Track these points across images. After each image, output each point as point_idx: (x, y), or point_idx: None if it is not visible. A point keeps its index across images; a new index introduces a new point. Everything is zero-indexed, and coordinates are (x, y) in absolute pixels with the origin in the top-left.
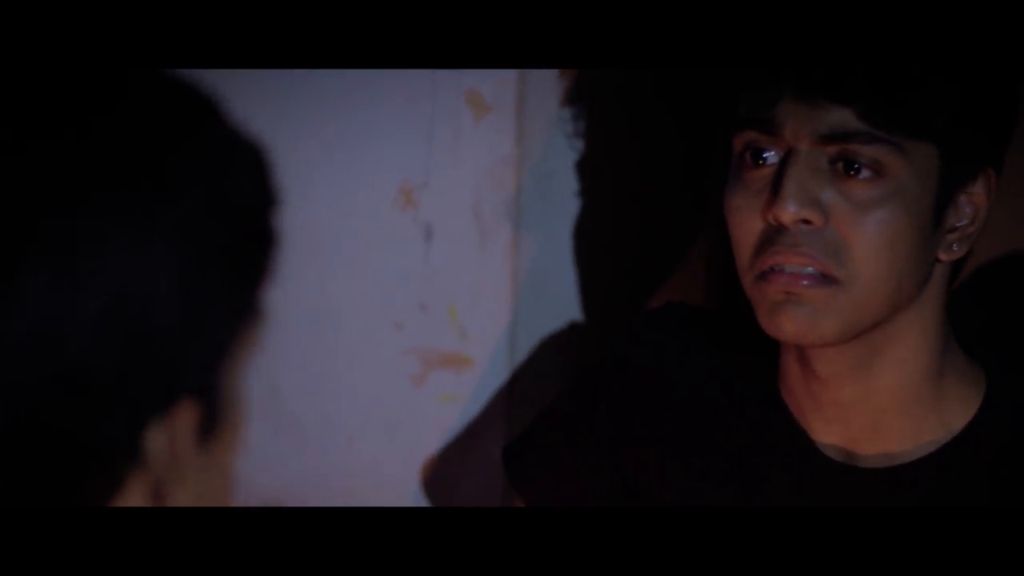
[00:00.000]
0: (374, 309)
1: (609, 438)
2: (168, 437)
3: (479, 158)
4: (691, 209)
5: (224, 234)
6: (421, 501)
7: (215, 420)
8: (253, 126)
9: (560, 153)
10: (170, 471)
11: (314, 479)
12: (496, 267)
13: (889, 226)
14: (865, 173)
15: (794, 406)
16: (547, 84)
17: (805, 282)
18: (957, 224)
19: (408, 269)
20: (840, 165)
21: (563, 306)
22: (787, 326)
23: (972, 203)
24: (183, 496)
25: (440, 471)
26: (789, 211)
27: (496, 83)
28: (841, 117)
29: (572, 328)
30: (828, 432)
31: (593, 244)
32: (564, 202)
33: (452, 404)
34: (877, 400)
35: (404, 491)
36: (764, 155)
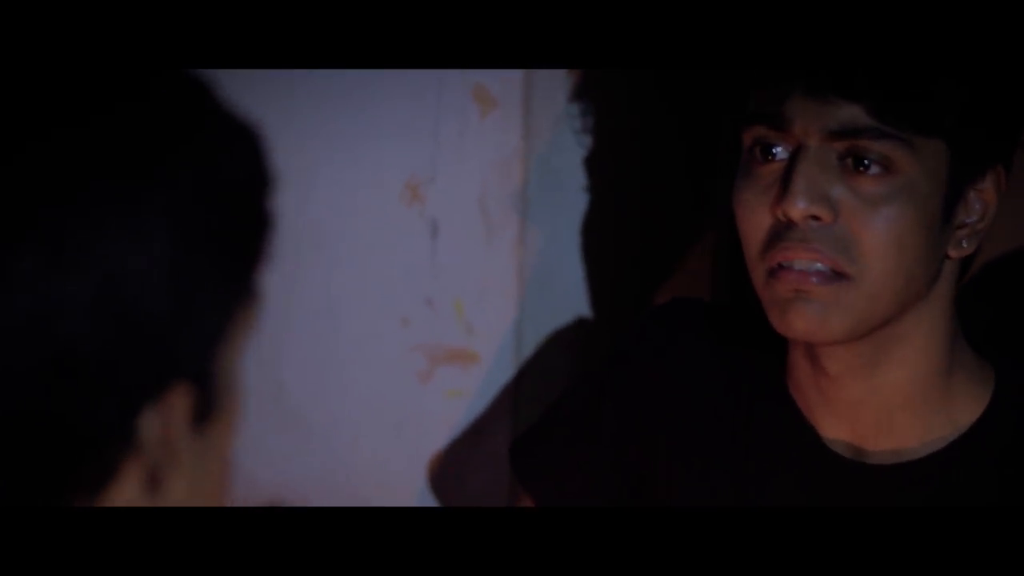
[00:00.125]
0: (380, 305)
1: (615, 433)
2: (162, 422)
3: (485, 153)
4: (697, 204)
5: (217, 217)
6: (427, 497)
7: (210, 405)
8: (260, 124)
9: (567, 148)
10: (165, 456)
11: (319, 475)
12: (502, 263)
13: (898, 222)
14: (874, 169)
15: (802, 402)
16: (554, 80)
17: (815, 279)
18: (967, 220)
19: (414, 265)
20: (849, 161)
21: (570, 302)
22: (797, 323)
23: (981, 199)
24: (179, 482)
25: (446, 467)
26: (799, 207)
27: (503, 79)
28: (851, 113)
29: (579, 324)
30: (836, 428)
31: (600, 240)
32: (570, 198)
33: (458, 400)
34: (886, 397)
35: (410, 487)
36: (773, 150)
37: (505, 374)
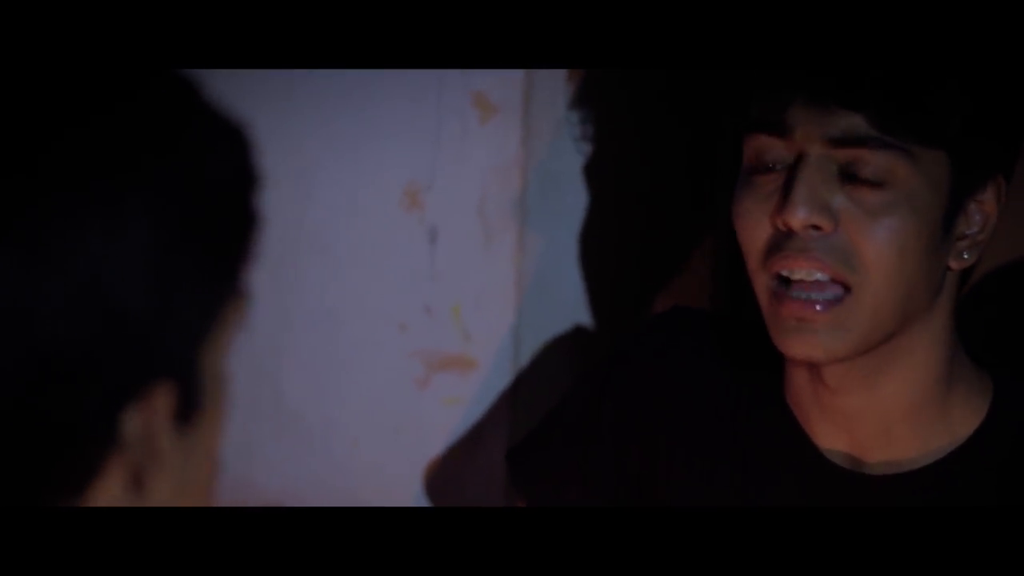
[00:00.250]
0: (378, 311)
1: (614, 437)
2: (144, 419)
3: (485, 160)
4: (697, 211)
5: (202, 216)
6: (424, 503)
7: (194, 403)
8: (261, 130)
9: (566, 155)
10: (148, 454)
11: (318, 481)
12: (501, 269)
13: (899, 233)
14: (875, 180)
15: (799, 413)
16: (553, 85)
17: (818, 307)
18: (967, 232)
19: (413, 271)
20: (850, 172)
21: (568, 308)
22: (798, 349)
23: (982, 211)
24: (163, 480)
25: (444, 473)
26: (799, 216)
27: (502, 85)
28: (852, 123)
29: (577, 330)
30: (834, 439)
31: (599, 246)
32: (570, 204)
33: (456, 407)
34: (885, 408)
35: (408, 494)
36: (774, 159)
37: (503, 381)
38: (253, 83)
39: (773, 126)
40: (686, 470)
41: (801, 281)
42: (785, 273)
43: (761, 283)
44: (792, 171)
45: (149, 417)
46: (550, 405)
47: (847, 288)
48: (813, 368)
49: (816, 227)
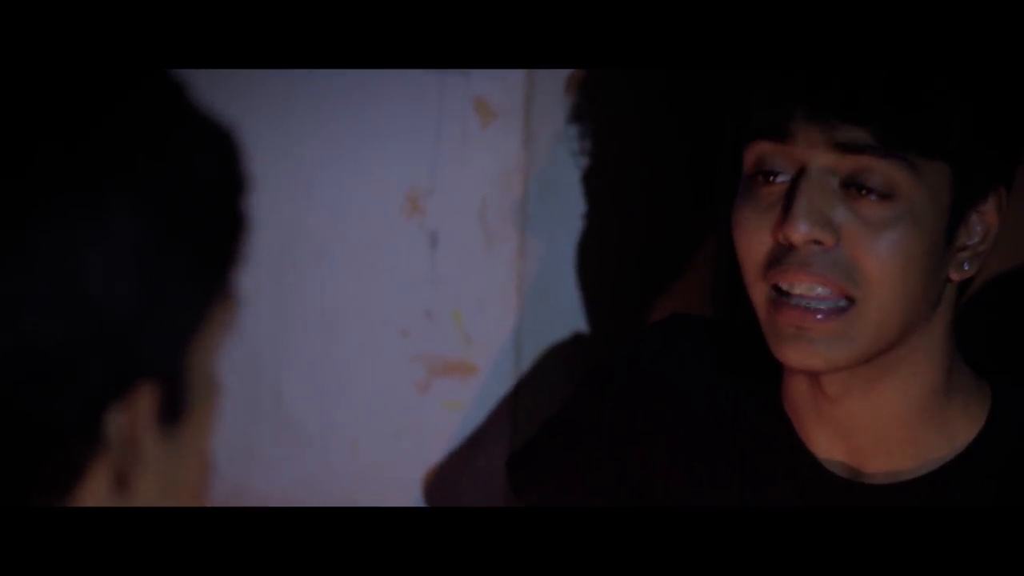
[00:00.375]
0: (379, 316)
1: (613, 445)
2: (129, 419)
3: (485, 165)
4: (698, 217)
5: (188, 215)
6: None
7: (181, 404)
8: (262, 136)
9: (566, 160)
10: (132, 455)
11: (317, 485)
12: (502, 274)
13: (901, 246)
14: (877, 193)
15: (797, 421)
16: (554, 91)
17: (819, 316)
18: (968, 243)
19: (414, 276)
20: (852, 184)
21: (569, 313)
22: (795, 358)
23: (983, 221)
24: (149, 481)
25: (444, 478)
26: (801, 231)
27: (503, 90)
28: (853, 136)
29: (578, 335)
30: (832, 448)
31: (599, 251)
32: (570, 209)
33: (457, 411)
34: (883, 418)
35: (408, 498)
36: (775, 171)
37: (504, 386)
38: (254, 88)
39: (774, 133)
40: (685, 476)
41: (802, 295)
42: (785, 287)
43: (759, 293)
44: (793, 184)
45: (133, 417)
46: (551, 409)
47: (851, 300)
48: (811, 377)
49: (817, 242)
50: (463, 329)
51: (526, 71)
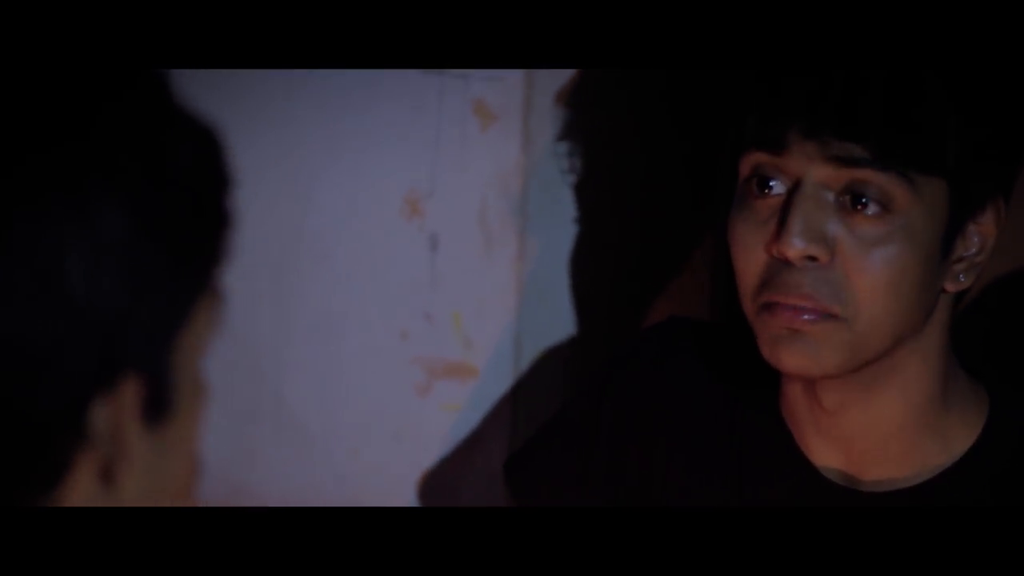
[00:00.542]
0: (379, 318)
1: (610, 450)
2: (112, 414)
3: (485, 168)
4: (697, 219)
5: (171, 212)
6: None
7: (166, 400)
8: (262, 139)
9: (566, 162)
10: (116, 450)
11: (318, 488)
12: (501, 276)
13: (895, 263)
14: (873, 208)
15: (795, 429)
16: (553, 94)
17: (807, 316)
18: (964, 254)
19: (413, 278)
20: (847, 199)
21: (568, 315)
22: (788, 360)
23: (980, 233)
24: (134, 477)
25: (444, 480)
26: (796, 247)
27: (502, 92)
28: (850, 150)
29: (577, 337)
30: (830, 456)
31: (599, 254)
32: (570, 212)
33: (456, 413)
34: (880, 426)
35: (408, 500)
36: (770, 183)
37: (503, 388)
38: (254, 90)
39: (770, 145)
40: (682, 480)
41: (793, 304)
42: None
43: (753, 309)
44: (788, 199)
45: (117, 413)
46: (551, 411)
47: (837, 318)
48: (807, 386)
49: (812, 257)
50: (463, 331)
51: (525, 74)
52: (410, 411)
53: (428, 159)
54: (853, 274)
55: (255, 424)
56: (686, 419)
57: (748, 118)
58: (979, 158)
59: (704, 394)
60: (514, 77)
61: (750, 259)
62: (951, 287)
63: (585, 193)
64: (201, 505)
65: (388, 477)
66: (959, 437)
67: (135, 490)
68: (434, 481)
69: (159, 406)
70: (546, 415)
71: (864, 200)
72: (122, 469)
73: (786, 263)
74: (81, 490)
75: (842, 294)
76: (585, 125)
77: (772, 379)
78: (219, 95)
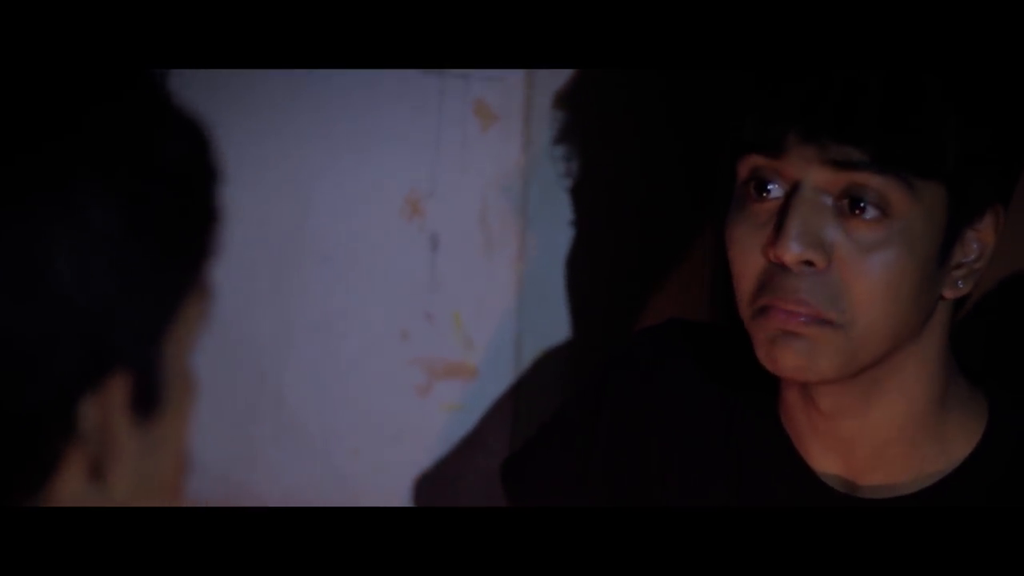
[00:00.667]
0: (380, 318)
1: (608, 452)
2: (100, 410)
3: (486, 168)
4: (697, 220)
5: (158, 207)
6: None
7: (154, 396)
8: (262, 139)
9: (566, 162)
10: (105, 447)
11: (318, 488)
12: (502, 277)
13: (892, 269)
14: (871, 212)
15: (794, 434)
16: (554, 93)
17: (802, 318)
18: (963, 260)
19: (414, 278)
20: (845, 203)
21: (569, 316)
22: (783, 362)
23: (979, 239)
24: (124, 473)
25: (444, 480)
26: (793, 252)
27: (503, 93)
28: (848, 154)
29: (578, 338)
30: (829, 461)
31: (600, 254)
32: (570, 212)
33: (457, 414)
34: (878, 432)
35: (408, 500)
36: (768, 187)
37: (504, 388)
38: (255, 90)
39: (768, 149)
40: (680, 483)
41: (788, 310)
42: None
43: (748, 313)
44: (786, 202)
45: (106, 408)
46: (551, 411)
47: (832, 324)
48: (804, 391)
49: (809, 262)
50: (463, 331)
51: (526, 74)
52: (410, 411)
53: (429, 159)
54: (850, 279)
55: (255, 424)
56: (684, 421)
57: (746, 120)
58: (978, 163)
59: (702, 397)
60: (515, 77)
61: (747, 262)
62: (949, 293)
63: (586, 193)
64: (200, 505)
65: (388, 477)
66: (958, 443)
67: (124, 486)
68: (434, 481)
69: (148, 402)
70: (547, 415)
71: (862, 204)
72: (111, 465)
73: (783, 267)
74: (70, 487)
75: (839, 299)
76: (585, 125)
77: (770, 382)
78: (220, 95)
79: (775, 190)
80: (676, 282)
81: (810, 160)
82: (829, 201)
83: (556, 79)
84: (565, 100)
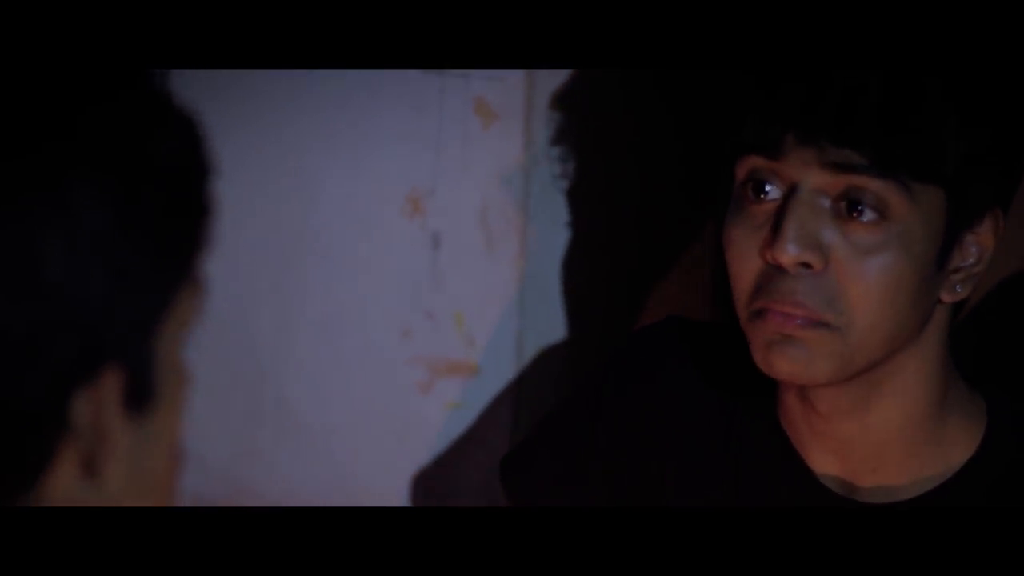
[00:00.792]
0: (381, 316)
1: (608, 455)
2: (93, 405)
3: (487, 166)
4: (697, 218)
5: (151, 202)
6: None
7: (148, 391)
8: (263, 138)
9: (567, 161)
10: (99, 442)
11: (320, 486)
12: (503, 275)
13: (889, 272)
14: (869, 215)
15: (793, 436)
16: (554, 93)
17: (799, 321)
18: (961, 264)
19: (415, 277)
20: (843, 205)
21: (570, 314)
22: (780, 365)
23: (978, 243)
24: (117, 468)
25: (446, 479)
26: (790, 253)
27: (503, 91)
28: (847, 156)
29: (579, 336)
30: (827, 464)
31: (600, 252)
32: (571, 210)
33: (459, 412)
34: (877, 435)
35: (409, 500)
36: (766, 188)
37: (505, 386)
38: (255, 90)
39: (766, 150)
40: (679, 484)
41: (785, 312)
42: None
43: (745, 315)
44: (784, 204)
45: (99, 402)
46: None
47: (829, 327)
48: (803, 393)
49: (806, 264)
50: (465, 330)
51: (526, 73)
52: (412, 410)
53: (429, 158)
54: (847, 281)
55: (256, 422)
56: (683, 422)
57: (745, 121)
58: (978, 166)
59: (701, 397)
60: (515, 76)
61: (744, 264)
62: (947, 297)
63: (586, 192)
64: (200, 503)
65: (390, 476)
66: (957, 447)
67: (118, 481)
68: (436, 480)
69: (141, 397)
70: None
71: (860, 207)
72: (105, 460)
73: (780, 269)
74: (63, 482)
75: (836, 302)
76: (586, 125)
77: (769, 383)
78: (221, 96)
79: (773, 191)
80: (676, 281)
81: (808, 162)
82: (827, 203)
83: (556, 78)
84: (565, 99)
